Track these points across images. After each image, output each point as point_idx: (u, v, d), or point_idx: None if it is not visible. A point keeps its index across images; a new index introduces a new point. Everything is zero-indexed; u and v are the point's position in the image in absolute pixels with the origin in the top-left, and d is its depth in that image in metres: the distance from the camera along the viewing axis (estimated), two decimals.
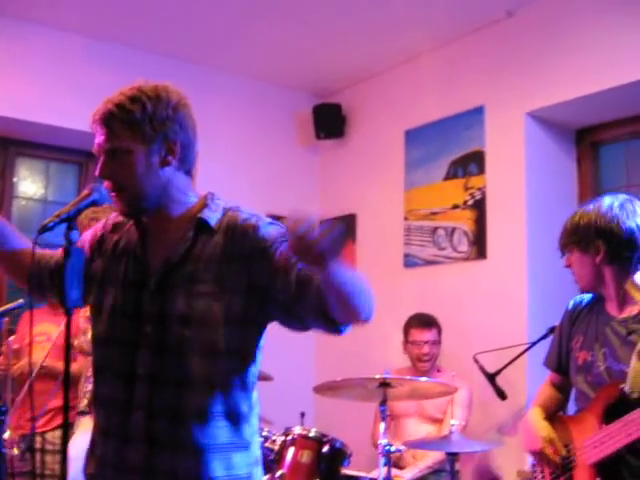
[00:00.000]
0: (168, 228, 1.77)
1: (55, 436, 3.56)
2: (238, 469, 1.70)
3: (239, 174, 4.94)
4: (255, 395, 1.78)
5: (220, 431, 1.68)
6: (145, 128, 1.69)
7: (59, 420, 3.54)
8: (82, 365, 3.47)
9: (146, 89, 1.72)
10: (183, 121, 1.74)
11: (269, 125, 5.27)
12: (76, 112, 4.48)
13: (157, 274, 1.73)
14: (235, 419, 1.70)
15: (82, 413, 3.31)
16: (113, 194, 1.74)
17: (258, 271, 1.68)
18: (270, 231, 1.72)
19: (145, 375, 1.68)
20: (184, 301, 1.69)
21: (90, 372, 3.35)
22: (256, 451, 1.78)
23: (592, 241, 2.41)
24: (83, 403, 3.31)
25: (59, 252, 1.83)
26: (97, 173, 1.73)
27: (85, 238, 1.92)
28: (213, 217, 1.76)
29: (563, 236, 2.53)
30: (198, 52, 4.79)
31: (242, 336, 1.71)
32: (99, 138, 1.72)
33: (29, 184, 4.90)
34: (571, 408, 2.71)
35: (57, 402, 3.57)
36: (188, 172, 1.80)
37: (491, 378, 3.61)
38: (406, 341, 4.11)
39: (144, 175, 1.70)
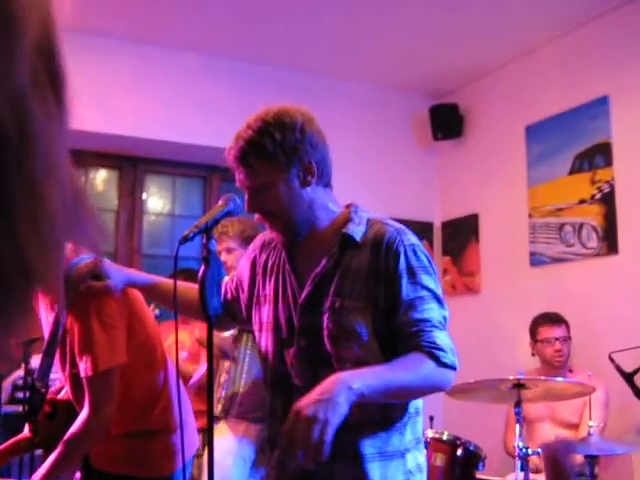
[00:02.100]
0: (314, 242, 1.81)
1: None
2: (394, 477, 1.72)
3: (358, 178, 4.95)
4: (412, 405, 1.79)
5: (375, 439, 1.71)
6: (279, 158, 1.73)
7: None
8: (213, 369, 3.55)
9: (269, 118, 1.74)
10: (312, 139, 1.77)
11: (386, 128, 5.28)
12: (199, 128, 4.67)
13: (306, 289, 1.78)
14: (388, 428, 1.73)
15: (216, 419, 3.38)
16: (268, 225, 1.81)
17: (390, 292, 1.71)
18: (409, 257, 1.72)
19: (301, 386, 1.73)
20: (333, 316, 1.73)
21: (223, 378, 3.43)
22: (414, 459, 1.78)
23: None
24: (217, 409, 3.38)
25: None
26: (246, 209, 1.79)
27: (243, 269, 2.01)
28: (357, 231, 1.78)
29: None
30: (315, 62, 4.86)
31: (387, 350, 1.71)
32: (240, 176, 1.78)
33: (157, 200, 5.07)
34: None
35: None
36: (327, 185, 1.84)
37: (629, 378, 3.46)
38: (535, 341, 3.99)
39: (290, 200, 1.76)
